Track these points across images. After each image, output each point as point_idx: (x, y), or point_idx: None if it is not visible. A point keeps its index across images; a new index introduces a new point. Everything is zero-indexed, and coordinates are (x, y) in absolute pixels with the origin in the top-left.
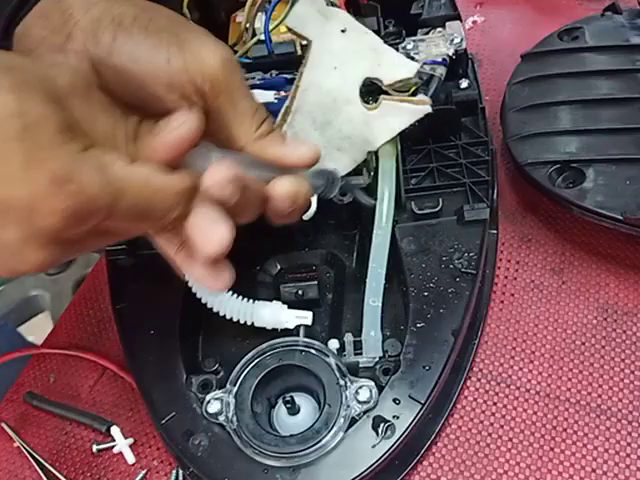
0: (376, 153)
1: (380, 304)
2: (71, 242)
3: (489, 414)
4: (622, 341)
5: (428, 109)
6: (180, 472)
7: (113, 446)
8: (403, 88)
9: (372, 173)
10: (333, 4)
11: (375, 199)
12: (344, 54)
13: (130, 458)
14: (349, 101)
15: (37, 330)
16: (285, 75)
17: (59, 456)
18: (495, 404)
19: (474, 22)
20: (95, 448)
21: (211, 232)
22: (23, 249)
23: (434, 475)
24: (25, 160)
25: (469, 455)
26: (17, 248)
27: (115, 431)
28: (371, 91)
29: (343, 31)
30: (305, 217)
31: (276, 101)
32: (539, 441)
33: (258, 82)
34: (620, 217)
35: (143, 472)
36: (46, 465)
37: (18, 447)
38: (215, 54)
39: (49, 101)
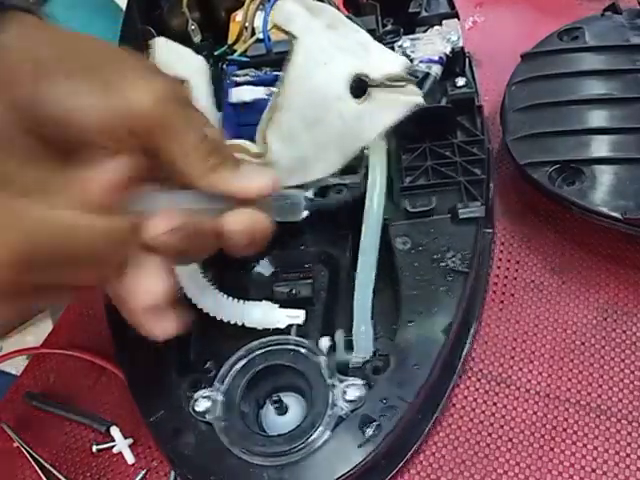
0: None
1: (370, 302)
2: (12, 297)
3: (489, 414)
4: (622, 341)
5: (420, 100)
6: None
7: (113, 446)
8: (392, 83)
9: (364, 169)
10: (330, 2)
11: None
12: (332, 50)
13: (130, 458)
14: (339, 97)
15: (37, 330)
16: (278, 72)
17: (59, 456)
18: (495, 404)
19: (474, 22)
20: (95, 448)
21: (144, 284)
22: None
23: (434, 475)
24: None
25: (469, 455)
26: None
27: (115, 431)
28: (360, 87)
29: (330, 26)
30: (297, 218)
31: (267, 97)
32: (539, 441)
33: (250, 79)
34: (620, 217)
35: (143, 472)
36: (46, 465)
37: (18, 447)
38: (145, 92)
39: None
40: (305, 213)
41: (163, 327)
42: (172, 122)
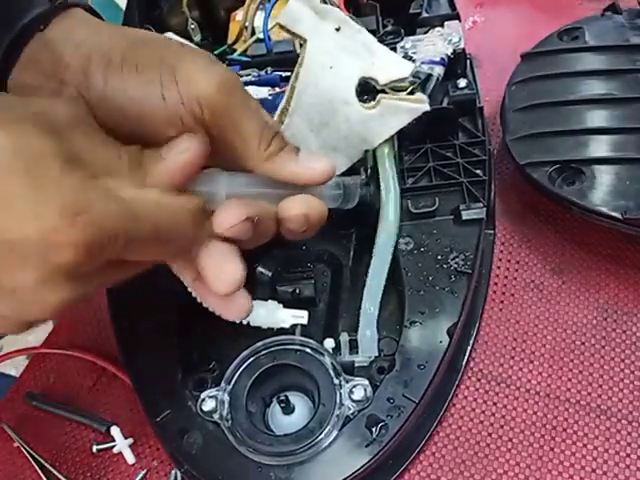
0: (373, 152)
1: (378, 303)
2: (89, 277)
3: (489, 414)
4: (622, 341)
5: (426, 107)
6: (179, 472)
7: (113, 446)
8: (399, 87)
9: (369, 171)
10: (332, 3)
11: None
12: (339, 53)
13: (130, 458)
14: (346, 101)
15: (37, 330)
16: (280, 72)
17: (59, 456)
18: (495, 404)
19: (474, 22)
20: (95, 448)
21: (222, 272)
22: (41, 292)
23: (434, 475)
24: (32, 196)
25: (469, 455)
26: (34, 292)
27: (115, 431)
28: (367, 90)
29: (337, 29)
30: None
31: (270, 97)
32: (539, 441)
33: (253, 79)
34: (620, 217)
35: (143, 472)
36: (46, 465)
37: (18, 447)
38: (209, 79)
39: (48, 134)
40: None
41: (238, 308)
42: (236, 108)
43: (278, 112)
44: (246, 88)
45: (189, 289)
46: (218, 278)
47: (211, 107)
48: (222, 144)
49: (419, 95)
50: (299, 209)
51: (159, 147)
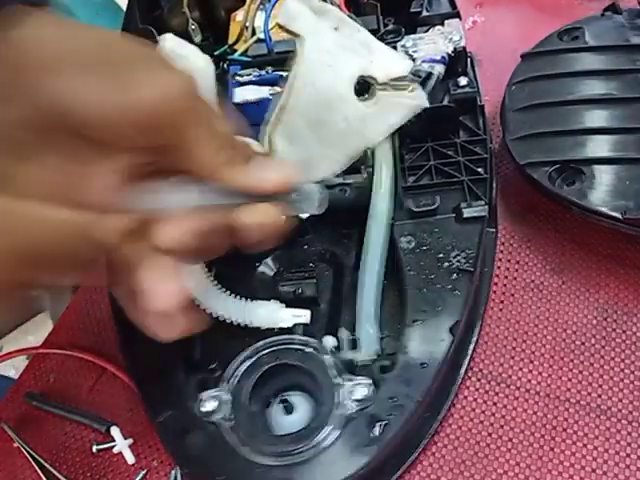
0: (373, 150)
1: (377, 300)
2: None
3: (489, 414)
4: (622, 341)
5: (425, 103)
6: (179, 472)
7: (113, 446)
8: (397, 85)
9: (370, 170)
10: (332, 2)
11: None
12: (337, 51)
13: (130, 458)
14: (344, 99)
15: (37, 330)
16: (281, 72)
17: (59, 456)
18: (495, 404)
19: (474, 22)
20: (95, 448)
21: (160, 288)
22: None
23: (434, 475)
24: None
25: (469, 455)
26: None
27: (115, 431)
28: (365, 88)
29: (336, 28)
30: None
31: (271, 97)
32: (539, 441)
33: (254, 79)
34: (620, 217)
35: (143, 472)
36: (46, 465)
37: (18, 447)
38: (154, 90)
39: None
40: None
41: (170, 330)
42: (183, 118)
43: (276, 109)
44: (246, 87)
45: (125, 307)
46: (155, 295)
47: (154, 118)
48: (171, 154)
49: (418, 91)
50: (255, 218)
51: (90, 160)
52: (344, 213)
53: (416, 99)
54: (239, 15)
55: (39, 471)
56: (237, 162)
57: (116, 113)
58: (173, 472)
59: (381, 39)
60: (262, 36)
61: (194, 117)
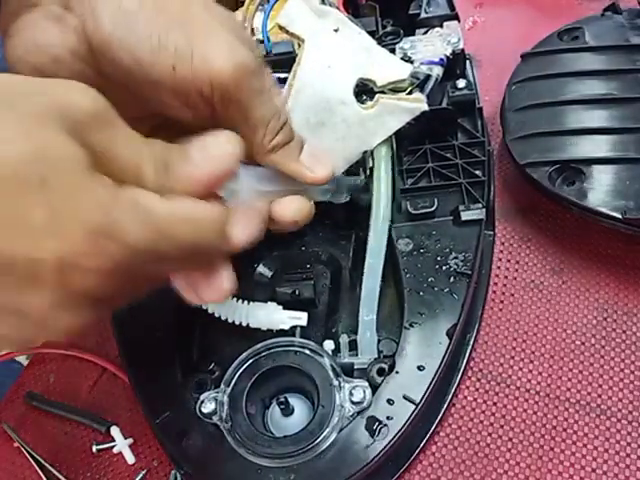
0: (372, 152)
1: (376, 305)
2: (110, 299)
3: (489, 414)
4: (622, 341)
5: (424, 107)
6: (179, 473)
7: (113, 446)
8: (397, 88)
9: (368, 172)
10: (330, 4)
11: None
12: (337, 54)
13: (130, 458)
14: (343, 101)
15: None
16: (279, 75)
17: (59, 456)
18: (495, 404)
19: (474, 22)
20: (95, 448)
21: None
22: (54, 316)
23: (434, 475)
24: (50, 214)
25: (469, 455)
26: (47, 315)
27: (115, 431)
28: (364, 92)
29: (336, 30)
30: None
31: None
32: (539, 441)
33: None
34: (620, 217)
35: (143, 472)
36: (46, 465)
37: (18, 447)
38: (226, 60)
39: (70, 135)
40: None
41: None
42: (247, 95)
43: None
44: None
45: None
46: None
47: (222, 90)
48: (227, 127)
49: (417, 95)
50: (292, 211)
51: (184, 133)
52: (341, 215)
53: (415, 103)
54: (238, 16)
55: (39, 471)
56: (289, 147)
57: (187, 79)
58: (173, 472)
59: (379, 41)
60: (261, 37)
61: (259, 94)
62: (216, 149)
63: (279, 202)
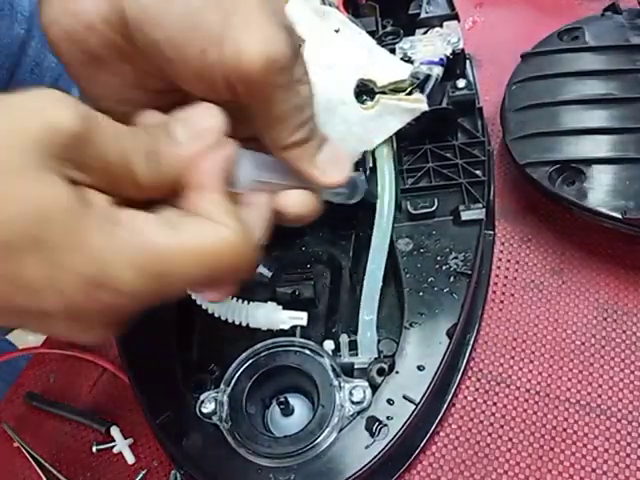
0: (373, 153)
1: (376, 305)
2: (126, 318)
3: (489, 414)
4: (622, 341)
5: (425, 107)
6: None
7: (113, 446)
8: (397, 89)
9: (367, 172)
10: (330, 4)
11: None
12: (338, 54)
13: (130, 458)
14: (343, 101)
15: None
16: None
17: (59, 456)
18: (495, 404)
19: (474, 22)
20: (95, 448)
21: None
22: (74, 336)
23: (434, 475)
24: (46, 271)
25: (469, 455)
26: (65, 335)
27: (115, 431)
28: (365, 92)
29: (337, 31)
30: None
31: None
32: (539, 441)
33: None
34: (620, 217)
35: (143, 472)
36: (46, 465)
37: (18, 447)
38: (258, 50)
39: (53, 174)
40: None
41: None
42: (275, 88)
43: None
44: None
45: None
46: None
47: (248, 81)
48: (247, 115)
49: (418, 95)
50: (298, 206)
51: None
52: (342, 215)
53: (415, 103)
54: None
55: (39, 471)
56: (309, 146)
57: (215, 65)
58: (173, 472)
59: (380, 41)
60: None
61: (286, 91)
62: (198, 124)
63: (283, 194)
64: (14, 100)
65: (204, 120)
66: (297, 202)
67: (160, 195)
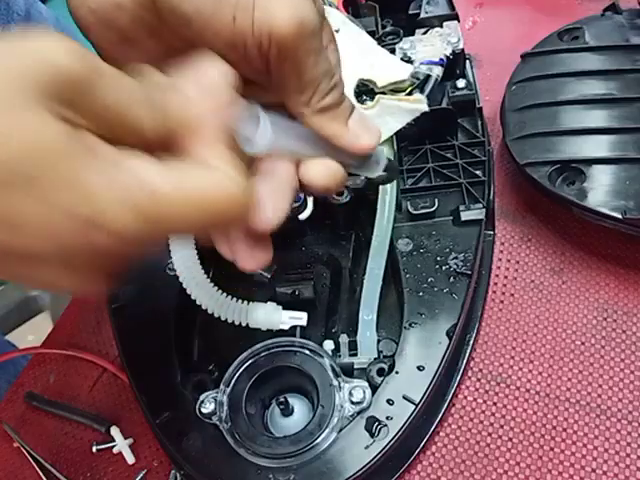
0: None
1: (376, 305)
2: (123, 261)
3: (489, 414)
4: (622, 341)
5: (425, 107)
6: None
7: (113, 446)
8: (397, 89)
9: None
10: (330, 4)
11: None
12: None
13: (130, 458)
14: None
15: (37, 330)
16: None
17: (59, 456)
18: (495, 404)
19: (474, 22)
20: (95, 448)
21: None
22: (66, 285)
23: (434, 475)
24: (39, 210)
25: (469, 455)
26: (56, 285)
27: (115, 431)
28: (365, 92)
29: (337, 31)
30: (301, 217)
31: None
32: (539, 441)
33: None
34: (620, 217)
35: (143, 472)
36: (46, 465)
37: (18, 447)
38: (290, 16)
39: (51, 115)
40: (309, 211)
41: (255, 261)
42: (306, 52)
43: None
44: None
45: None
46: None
47: (281, 46)
48: (277, 80)
49: (418, 95)
50: (324, 182)
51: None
52: (341, 215)
53: (416, 103)
54: None
55: (39, 471)
56: (337, 111)
57: (246, 31)
58: (173, 472)
59: (380, 41)
60: None
61: (316, 55)
62: (207, 79)
63: (308, 164)
64: (16, 37)
65: (214, 76)
66: (323, 172)
67: (163, 148)
